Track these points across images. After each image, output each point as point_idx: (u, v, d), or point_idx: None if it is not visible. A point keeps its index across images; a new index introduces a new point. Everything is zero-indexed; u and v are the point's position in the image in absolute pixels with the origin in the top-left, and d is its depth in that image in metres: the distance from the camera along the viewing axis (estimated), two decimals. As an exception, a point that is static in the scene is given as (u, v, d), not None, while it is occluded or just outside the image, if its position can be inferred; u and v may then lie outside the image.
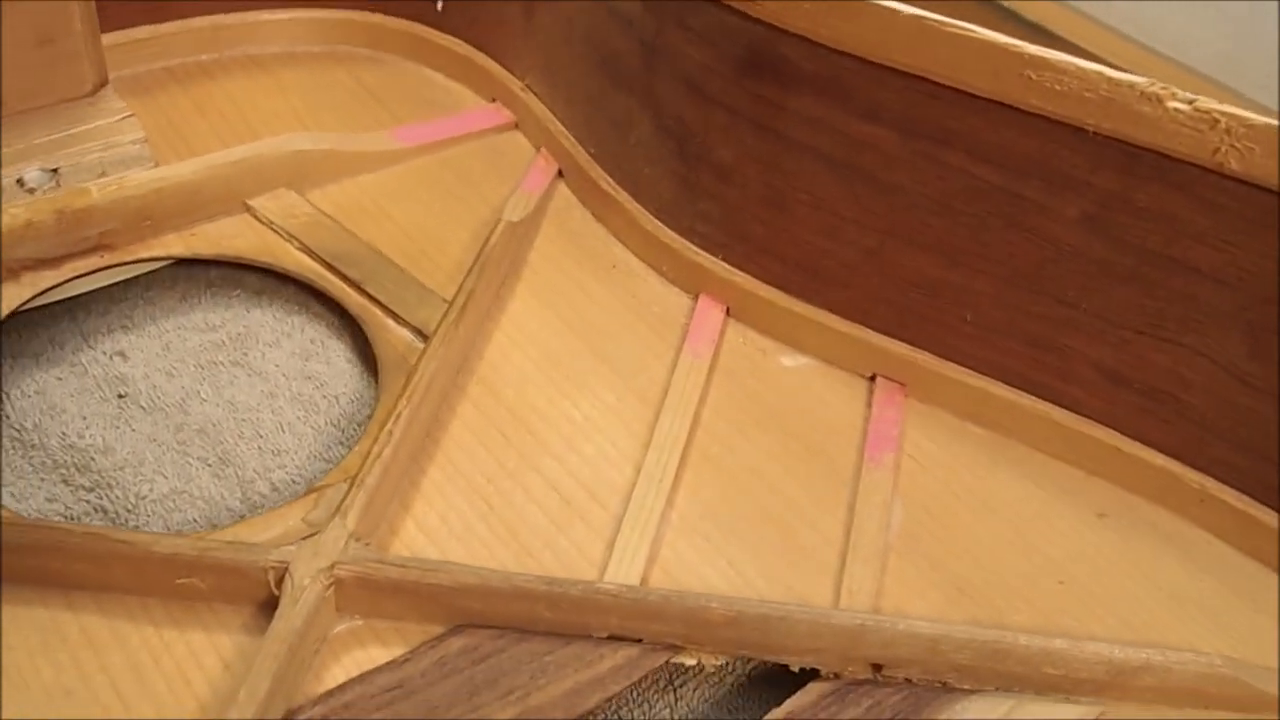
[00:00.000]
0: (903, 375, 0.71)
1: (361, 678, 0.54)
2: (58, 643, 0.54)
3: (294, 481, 0.66)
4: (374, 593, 0.55)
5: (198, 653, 0.54)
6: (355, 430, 0.69)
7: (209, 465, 0.67)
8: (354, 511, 0.57)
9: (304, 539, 0.57)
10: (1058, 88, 0.58)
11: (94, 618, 0.55)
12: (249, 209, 0.77)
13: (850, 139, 0.66)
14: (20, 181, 0.73)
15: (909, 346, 0.70)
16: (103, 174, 0.75)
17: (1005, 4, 0.75)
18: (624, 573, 0.59)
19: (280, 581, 0.54)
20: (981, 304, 0.67)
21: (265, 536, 0.58)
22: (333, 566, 0.54)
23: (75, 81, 0.77)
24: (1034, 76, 0.59)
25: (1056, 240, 0.63)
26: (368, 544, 0.57)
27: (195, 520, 0.63)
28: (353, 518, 0.57)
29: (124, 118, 0.78)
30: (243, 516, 0.63)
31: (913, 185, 0.65)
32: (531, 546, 0.60)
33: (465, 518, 0.61)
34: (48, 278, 0.71)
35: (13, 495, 0.64)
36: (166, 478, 0.66)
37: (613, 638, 0.56)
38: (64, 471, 0.66)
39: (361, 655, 0.55)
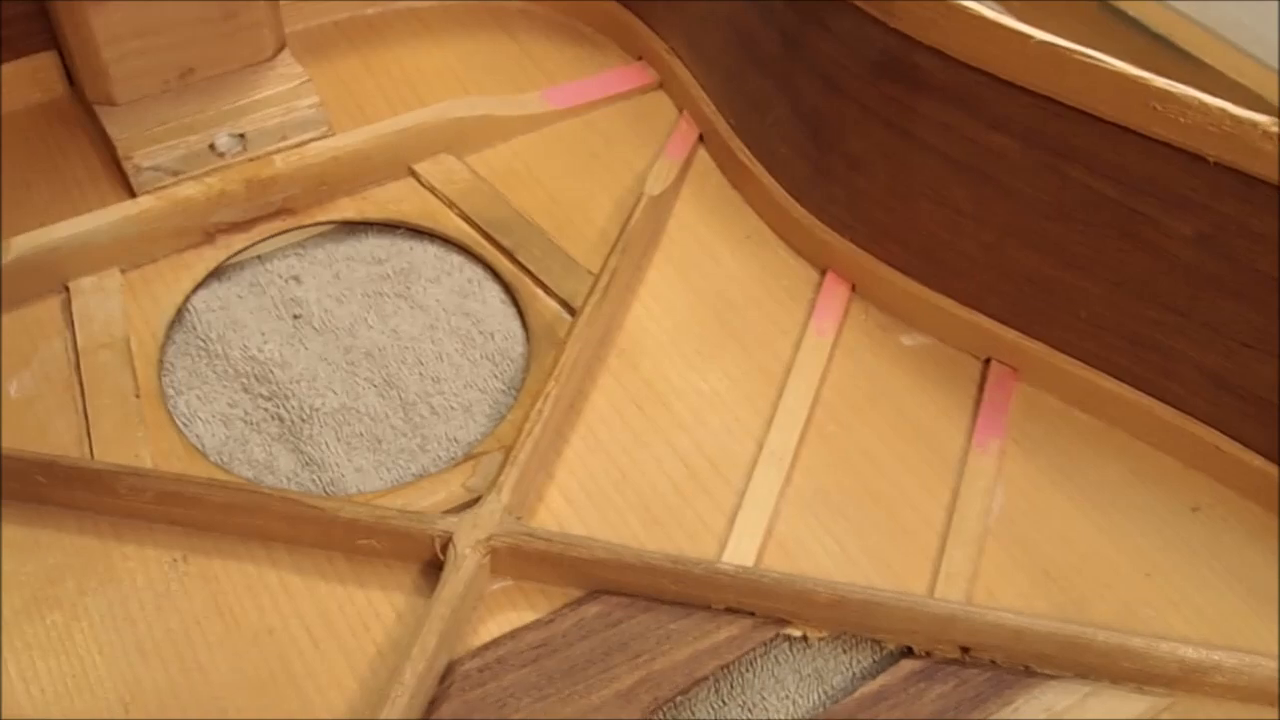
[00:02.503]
0: (1015, 360, 0.75)
1: (512, 634, 0.62)
2: (261, 588, 0.64)
3: (450, 407, 0.73)
4: (523, 560, 0.64)
5: (375, 603, 0.63)
6: (506, 364, 0.75)
7: (374, 386, 0.74)
8: (508, 487, 0.65)
9: (464, 505, 0.66)
10: (1182, 119, 0.60)
11: (289, 570, 0.64)
12: (413, 173, 0.84)
13: (976, 145, 0.68)
14: (213, 146, 0.81)
15: (1022, 335, 0.74)
16: (283, 138, 0.83)
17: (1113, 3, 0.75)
18: (743, 547, 0.66)
19: (445, 548, 0.63)
20: (1093, 303, 0.70)
21: (432, 500, 0.67)
22: (489, 539, 0.63)
23: (257, 47, 0.84)
24: (1159, 108, 0.61)
25: (1170, 254, 0.66)
26: (519, 517, 0.65)
27: (362, 434, 0.71)
28: (507, 492, 0.65)
29: (301, 83, 0.85)
30: (404, 434, 0.71)
31: (1033, 192, 0.68)
32: (660, 517, 0.68)
33: (602, 487, 0.69)
34: (239, 240, 0.80)
35: (199, 398, 0.73)
36: (336, 394, 0.74)
37: (729, 610, 0.64)
38: (244, 380, 0.74)
39: (512, 613, 0.63)
